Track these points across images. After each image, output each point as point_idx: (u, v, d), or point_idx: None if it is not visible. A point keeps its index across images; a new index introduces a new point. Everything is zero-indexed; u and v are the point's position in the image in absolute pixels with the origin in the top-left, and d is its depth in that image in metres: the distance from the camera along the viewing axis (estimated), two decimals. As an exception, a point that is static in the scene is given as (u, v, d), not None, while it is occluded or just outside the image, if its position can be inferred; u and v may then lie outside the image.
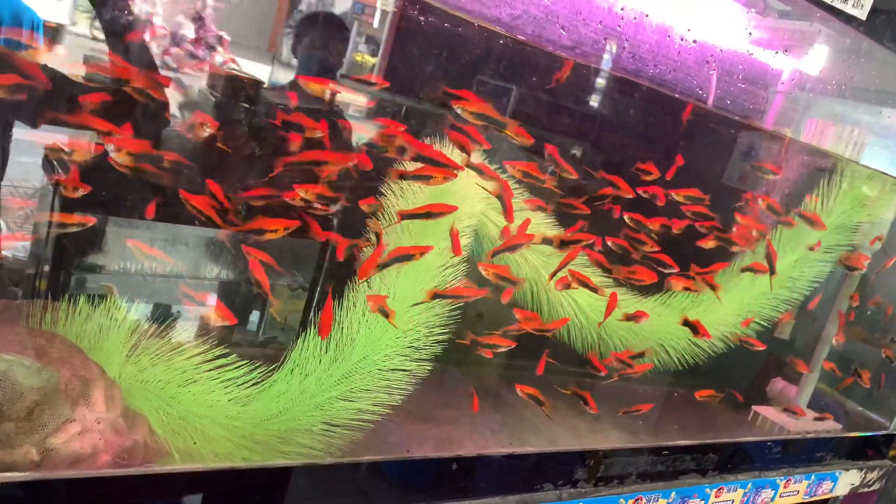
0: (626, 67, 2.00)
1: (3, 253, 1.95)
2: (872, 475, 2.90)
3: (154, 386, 1.60)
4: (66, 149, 1.64)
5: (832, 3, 1.89)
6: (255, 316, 2.56)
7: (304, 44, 2.12)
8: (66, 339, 1.43)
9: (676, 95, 2.10)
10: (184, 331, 1.73)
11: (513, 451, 1.89)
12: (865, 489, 2.93)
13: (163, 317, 2.18)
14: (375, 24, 2.34)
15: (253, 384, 1.70)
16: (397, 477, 1.85)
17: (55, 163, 1.87)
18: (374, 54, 2.34)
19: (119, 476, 1.38)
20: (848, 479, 2.83)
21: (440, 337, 1.92)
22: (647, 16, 1.82)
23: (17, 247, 2.04)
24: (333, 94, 2.16)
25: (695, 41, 1.94)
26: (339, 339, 1.80)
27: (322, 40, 2.11)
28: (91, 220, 1.67)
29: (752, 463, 2.48)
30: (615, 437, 2.37)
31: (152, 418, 1.56)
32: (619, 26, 1.81)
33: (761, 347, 2.52)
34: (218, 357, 1.67)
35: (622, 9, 1.76)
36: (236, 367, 1.69)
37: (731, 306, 2.49)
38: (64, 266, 1.94)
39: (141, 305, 2.18)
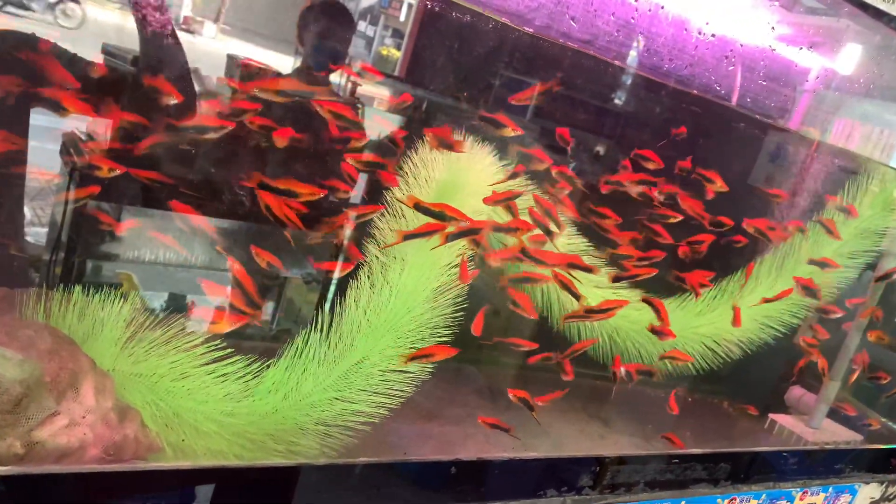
0: (642, 62, 1.93)
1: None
2: (894, 489, 2.80)
3: (148, 379, 1.57)
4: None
5: (861, -2, 1.81)
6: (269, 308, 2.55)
7: (311, 32, 2.09)
8: (57, 331, 1.40)
9: (694, 92, 2.03)
10: (186, 323, 1.70)
11: (514, 456, 1.83)
12: (886, 503, 2.83)
13: (164, 308, 2.17)
14: (402, 17, 2.31)
15: (252, 378, 1.67)
16: (405, 475, 1.80)
17: (72, 149, 1.87)
18: (398, 48, 2.31)
19: (107, 472, 1.36)
20: (868, 493, 2.73)
21: (444, 336, 1.88)
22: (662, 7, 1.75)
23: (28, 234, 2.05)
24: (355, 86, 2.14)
25: (713, 35, 1.87)
26: (339, 338, 1.77)
27: (330, 30, 2.07)
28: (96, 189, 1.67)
29: (766, 473, 2.40)
30: (626, 443, 2.31)
31: (145, 412, 1.54)
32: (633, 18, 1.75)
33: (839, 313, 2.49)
34: (216, 349, 1.65)
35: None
36: (236, 362, 1.66)
37: (748, 311, 2.41)
38: (70, 255, 1.94)
39: (145, 294, 2.19)
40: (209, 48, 2.07)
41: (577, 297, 2.03)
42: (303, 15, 2.08)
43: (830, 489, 2.59)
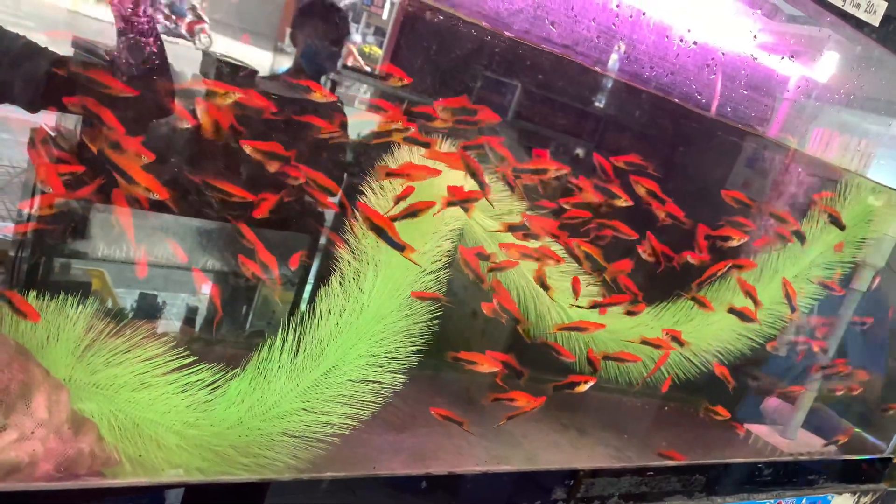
0: (622, 68, 1.90)
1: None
2: (866, 499, 2.80)
3: (107, 389, 1.51)
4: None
5: (843, 7, 1.79)
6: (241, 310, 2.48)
7: (304, 32, 2.04)
8: (8, 339, 1.33)
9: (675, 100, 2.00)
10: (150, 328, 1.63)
11: (487, 470, 1.79)
12: (858, 513, 2.83)
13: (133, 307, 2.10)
14: (384, 15, 2.27)
15: (215, 388, 1.61)
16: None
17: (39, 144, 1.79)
18: (380, 46, 2.27)
19: (59, 489, 1.29)
20: (841, 503, 2.73)
21: (418, 344, 1.84)
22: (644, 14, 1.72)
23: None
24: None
25: (695, 43, 1.84)
26: (309, 347, 1.71)
27: (322, 30, 2.02)
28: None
29: (741, 484, 2.39)
30: (600, 453, 2.28)
31: (103, 424, 1.47)
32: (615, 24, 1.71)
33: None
34: (180, 357, 1.58)
35: (618, 6, 1.66)
36: (201, 370, 1.60)
37: (725, 321, 2.39)
38: (32, 255, 1.86)
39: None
40: (189, 44, 2.01)
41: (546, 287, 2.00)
42: (297, 15, 2.02)
43: (804, 500, 2.58)
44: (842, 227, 2.46)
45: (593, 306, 2.12)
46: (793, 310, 2.45)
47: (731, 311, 2.25)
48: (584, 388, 2.01)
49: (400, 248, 1.62)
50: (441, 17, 1.83)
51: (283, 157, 1.58)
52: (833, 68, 2.34)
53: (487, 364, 1.82)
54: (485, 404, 1.95)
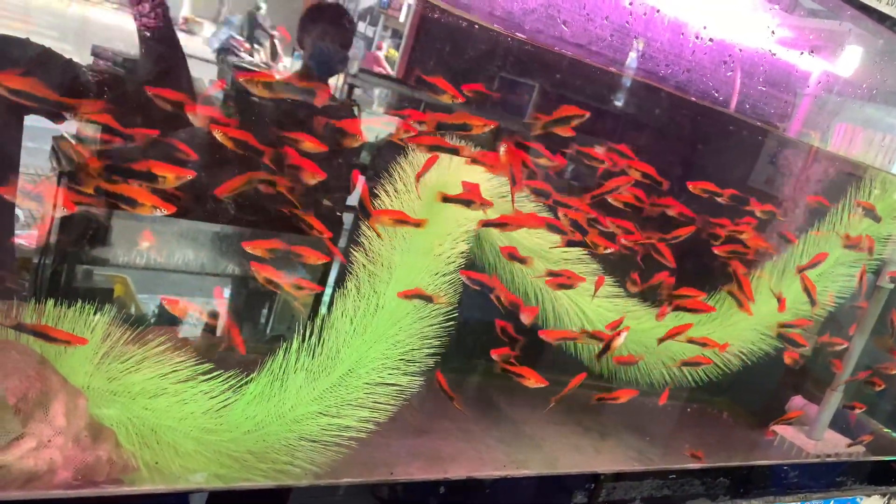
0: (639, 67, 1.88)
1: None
2: (896, 501, 2.75)
3: (126, 396, 1.51)
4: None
5: (864, 1, 1.75)
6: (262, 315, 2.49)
7: (311, 36, 2.04)
8: (26, 348, 1.34)
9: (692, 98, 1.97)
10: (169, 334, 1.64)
11: (506, 475, 1.78)
12: (888, 516, 2.77)
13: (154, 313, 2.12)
14: (402, 18, 2.28)
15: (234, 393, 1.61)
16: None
17: (60, 153, 1.81)
18: (398, 48, 2.28)
19: (76, 497, 1.30)
20: (870, 505, 2.68)
21: (435, 345, 1.83)
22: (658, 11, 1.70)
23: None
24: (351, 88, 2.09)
25: (711, 39, 1.82)
26: (324, 349, 1.71)
27: (330, 33, 2.02)
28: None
29: (766, 487, 2.35)
30: (621, 456, 2.25)
31: (123, 430, 1.48)
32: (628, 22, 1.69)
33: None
34: (198, 363, 1.59)
35: (630, 3, 1.64)
36: (219, 376, 1.60)
37: (748, 321, 2.35)
38: (54, 264, 1.88)
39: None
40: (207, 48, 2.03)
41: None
42: (303, 18, 2.02)
43: (832, 502, 2.53)
44: (878, 220, 2.42)
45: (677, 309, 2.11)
46: (813, 304, 2.40)
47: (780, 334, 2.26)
48: (619, 340, 1.98)
49: (367, 215, 1.69)
50: (458, 19, 1.82)
51: (257, 150, 1.56)
52: (855, 63, 2.30)
53: (535, 380, 1.79)
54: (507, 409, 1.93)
